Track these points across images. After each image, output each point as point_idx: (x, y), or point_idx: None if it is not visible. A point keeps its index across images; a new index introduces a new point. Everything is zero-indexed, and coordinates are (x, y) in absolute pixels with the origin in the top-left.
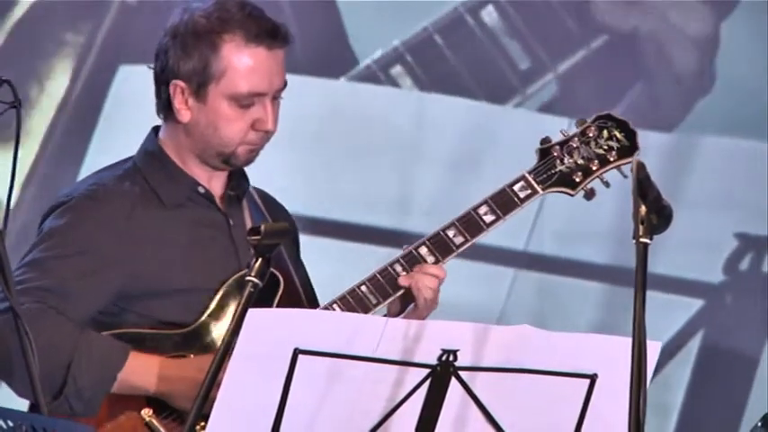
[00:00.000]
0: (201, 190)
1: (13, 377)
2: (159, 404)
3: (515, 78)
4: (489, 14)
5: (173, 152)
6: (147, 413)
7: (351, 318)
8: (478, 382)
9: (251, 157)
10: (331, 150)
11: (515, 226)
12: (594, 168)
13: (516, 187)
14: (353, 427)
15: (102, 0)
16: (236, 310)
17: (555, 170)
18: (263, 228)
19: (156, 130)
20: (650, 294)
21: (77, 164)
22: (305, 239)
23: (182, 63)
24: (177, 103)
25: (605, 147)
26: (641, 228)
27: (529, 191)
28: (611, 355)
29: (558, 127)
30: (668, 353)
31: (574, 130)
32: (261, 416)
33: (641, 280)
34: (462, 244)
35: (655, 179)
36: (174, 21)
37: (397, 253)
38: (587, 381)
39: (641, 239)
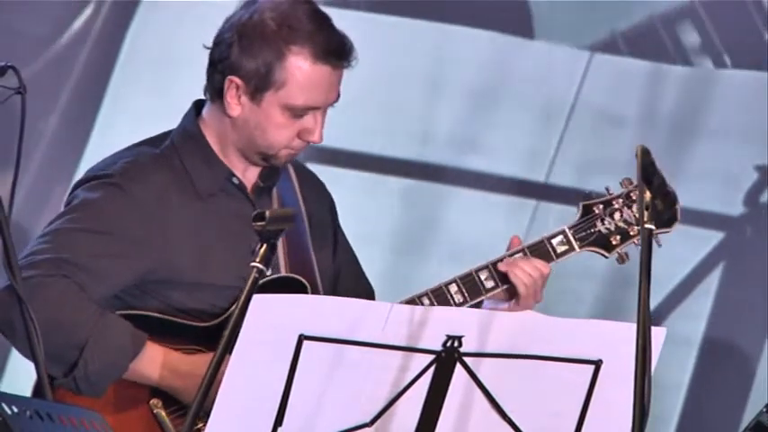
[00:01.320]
0: (236, 181)
1: (22, 347)
2: (167, 397)
3: None
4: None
5: (212, 137)
6: (155, 404)
7: (355, 303)
8: (483, 367)
9: (290, 159)
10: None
11: (536, 158)
12: (632, 234)
13: (555, 241)
14: (358, 412)
15: None
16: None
17: (595, 230)
18: (267, 213)
19: (196, 105)
20: None
21: (97, 103)
22: (322, 169)
23: (244, 61)
24: (230, 97)
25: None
26: (646, 213)
27: (566, 247)
28: (615, 341)
29: None
30: (689, 285)
31: (619, 189)
32: (266, 401)
33: (646, 265)
34: (492, 288)
35: (675, 111)
36: (242, 16)
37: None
38: (592, 366)
39: (646, 225)
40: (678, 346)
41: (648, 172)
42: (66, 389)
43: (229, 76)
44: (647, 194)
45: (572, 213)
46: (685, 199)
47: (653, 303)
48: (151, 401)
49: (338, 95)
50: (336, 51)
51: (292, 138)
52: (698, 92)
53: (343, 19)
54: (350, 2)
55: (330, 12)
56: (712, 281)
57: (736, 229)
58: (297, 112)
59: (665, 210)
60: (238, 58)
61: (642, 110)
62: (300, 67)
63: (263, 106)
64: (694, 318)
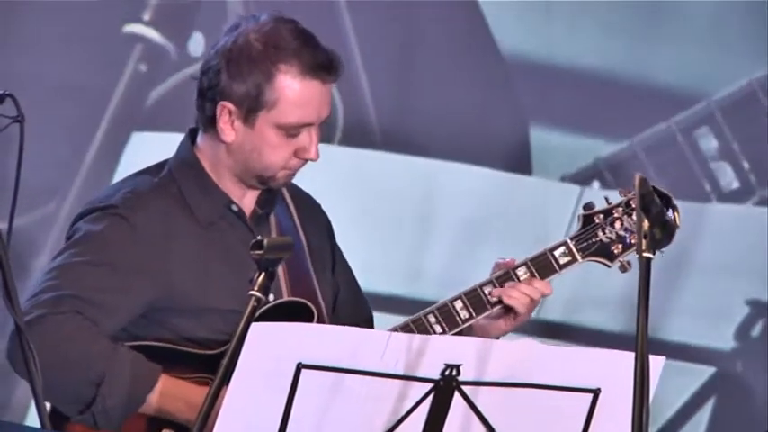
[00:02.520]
0: (235, 208)
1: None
2: (179, 427)
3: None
4: (704, 135)
5: (208, 164)
6: None
7: (354, 332)
8: (481, 396)
9: (288, 180)
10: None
11: None
12: (634, 242)
13: (557, 253)
14: None
15: (114, 67)
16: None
17: (596, 239)
18: (265, 242)
19: (190, 133)
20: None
21: None
22: None
23: (234, 86)
24: (222, 123)
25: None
26: (644, 242)
27: (569, 258)
28: (614, 370)
29: None
30: (680, 420)
31: (618, 199)
32: (264, 430)
33: (644, 294)
34: (497, 303)
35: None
36: (226, 42)
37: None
38: (590, 395)
39: (644, 254)
40: None
41: (646, 201)
42: (83, 425)
43: (221, 102)
44: (646, 223)
45: None
46: (676, 333)
47: None
48: (163, 431)
49: (330, 111)
50: (324, 65)
51: (289, 157)
52: (688, 226)
53: (334, 154)
54: (341, 137)
55: (321, 146)
56: (703, 416)
57: (726, 364)
58: (291, 131)
59: (663, 239)
60: (228, 83)
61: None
62: (290, 85)
63: (257, 128)
64: None
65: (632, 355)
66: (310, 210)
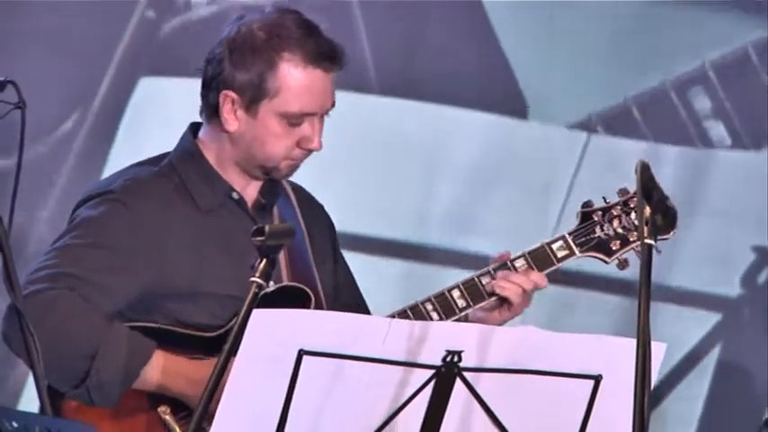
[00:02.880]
0: (236, 196)
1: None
2: (176, 403)
3: None
4: (697, 94)
5: (211, 155)
6: (163, 411)
7: (355, 318)
8: (483, 383)
9: (292, 171)
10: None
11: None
12: (632, 240)
13: (555, 246)
14: (358, 427)
15: (122, 12)
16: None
17: (594, 235)
18: (266, 229)
19: (193, 127)
20: (667, 308)
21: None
22: None
23: (237, 75)
24: (225, 112)
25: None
26: (645, 229)
27: (567, 251)
28: (615, 356)
29: None
30: (685, 367)
31: (616, 198)
32: (265, 416)
33: (645, 282)
34: (493, 293)
35: (672, 191)
36: (230, 31)
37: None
38: (592, 382)
39: (646, 241)
40: (675, 427)
41: (648, 187)
42: (77, 400)
43: (224, 91)
44: (647, 209)
45: (570, 294)
46: (682, 280)
47: None
48: (159, 408)
49: (333, 102)
50: (327, 55)
51: (292, 147)
52: (694, 172)
53: (340, 101)
54: (347, 84)
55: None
56: (709, 362)
57: (733, 311)
58: (293, 120)
59: (665, 226)
60: (231, 71)
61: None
62: (293, 74)
63: (260, 117)
64: (691, 399)
65: (634, 341)
66: (313, 208)
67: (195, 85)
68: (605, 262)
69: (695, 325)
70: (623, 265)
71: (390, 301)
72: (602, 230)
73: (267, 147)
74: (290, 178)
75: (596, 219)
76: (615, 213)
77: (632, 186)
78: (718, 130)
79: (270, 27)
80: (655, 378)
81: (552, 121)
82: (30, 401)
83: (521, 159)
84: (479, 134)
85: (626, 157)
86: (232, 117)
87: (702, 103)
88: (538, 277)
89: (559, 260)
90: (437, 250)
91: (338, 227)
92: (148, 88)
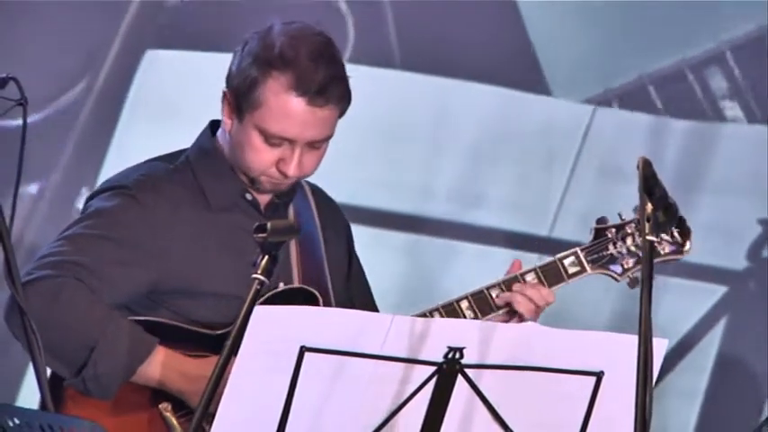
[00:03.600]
0: (249, 197)
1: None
2: (176, 400)
3: None
4: (713, 74)
5: (227, 154)
6: (164, 408)
7: (357, 315)
8: (485, 379)
9: (276, 189)
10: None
11: (539, 212)
12: None
13: (567, 262)
14: (360, 424)
15: None
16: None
17: (606, 252)
18: (269, 225)
19: (212, 124)
20: (673, 281)
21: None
22: None
23: (236, 76)
24: (224, 110)
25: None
26: (647, 225)
27: (578, 268)
28: (617, 353)
29: None
30: (692, 339)
31: (632, 215)
32: (267, 413)
33: (647, 277)
34: (501, 307)
35: (677, 165)
36: (256, 34)
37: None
38: (593, 378)
39: (647, 237)
40: (681, 399)
41: (650, 184)
42: (75, 389)
43: (225, 89)
44: (649, 206)
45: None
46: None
47: None
48: (160, 405)
49: (323, 137)
50: (316, 88)
51: (269, 165)
52: (700, 146)
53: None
54: (354, 57)
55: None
56: (715, 335)
57: (738, 284)
58: (270, 140)
59: (666, 222)
60: (233, 71)
61: None
62: (276, 93)
63: (244, 125)
64: (697, 372)
65: (635, 338)
66: (331, 210)
67: (201, 57)
68: (616, 280)
69: (701, 298)
70: (634, 283)
71: (396, 273)
72: (615, 248)
73: (246, 155)
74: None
75: (610, 236)
76: (629, 231)
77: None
78: (733, 110)
79: (285, 42)
80: (656, 374)
81: (567, 97)
82: (30, 391)
83: (526, 132)
84: (485, 107)
85: (631, 131)
86: (227, 116)
87: (718, 82)
88: (547, 293)
89: (570, 276)
90: (442, 223)
91: (344, 199)
92: (154, 60)
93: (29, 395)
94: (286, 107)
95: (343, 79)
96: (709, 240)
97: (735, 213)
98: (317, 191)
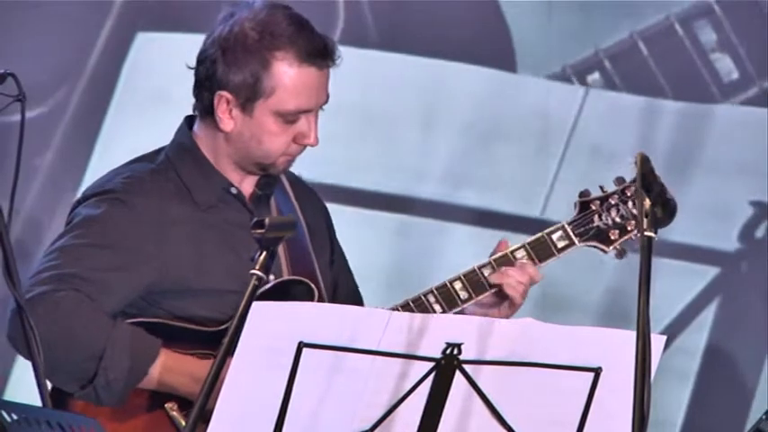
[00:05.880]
0: (234, 191)
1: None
2: (183, 400)
3: (718, 92)
4: (702, 27)
5: (207, 150)
6: (171, 407)
7: (355, 310)
8: (483, 375)
9: (289, 165)
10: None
11: (531, 194)
12: (630, 229)
13: (555, 236)
14: (358, 420)
15: None
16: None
17: (593, 225)
18: (266, 221)
19: (188, 120)
20: (666, 262)
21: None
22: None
23: (231, 75)
24: (221, 112)
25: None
26: (645, 221)
27: (567, 242)
28: (615, 349)
29: None
30: (684, 320)
31: (613, 187)
32: (265, 408)
33: (645, 273)
34: (495, 285)
35: (670, 146)
36: (221, 30)
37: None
38: (592, 374)
39: (645, 233)
40: (673, 380)
41: (648, 179)
42: (84, 400)
43: (218, 92)
44: (647, 202)
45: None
46: (681, 234)
47: None
48: (167, 404)
49: (327, 96)
50: (320, 52)
51: (288, 144)
52: (693, 126)
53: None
54: (344, 38)
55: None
56: (707, 316)
57: (731, 265)
58: (289, 118)
59: (664, 218)
60: (225, 72)
61: (637, 144)
62: (287, 72)
63: (256, 116)
64: (689, 353)
65: (633, 333)
66: (309, 196)
67: (192, 39)
68: (604, 251)
69: (694, 279)
70: (621, 254)
71: (387, 254)
72: (601, 220)
73: (264, 145)
74: None
75: (594, 208)
76: (613, 202)
77: (628, 175)
78: (724, 62)
79: (261, 25)
80: (654, 370)
81: (559, 59)
82: (17, 383)
83: (518, 114)
84: (476, 88)
85: (623, 111)
86: (227, 117)
87: (708, 35)
88: (534, 272)
89: (560, 250)
90: (434, 204)
91: (335, 181)
92: (145, 43)
93: (16, 386)
94: (301, 81)
95: (324, 34)
96: (702, 221)
97: (727, 194)
98: (291, 177)
